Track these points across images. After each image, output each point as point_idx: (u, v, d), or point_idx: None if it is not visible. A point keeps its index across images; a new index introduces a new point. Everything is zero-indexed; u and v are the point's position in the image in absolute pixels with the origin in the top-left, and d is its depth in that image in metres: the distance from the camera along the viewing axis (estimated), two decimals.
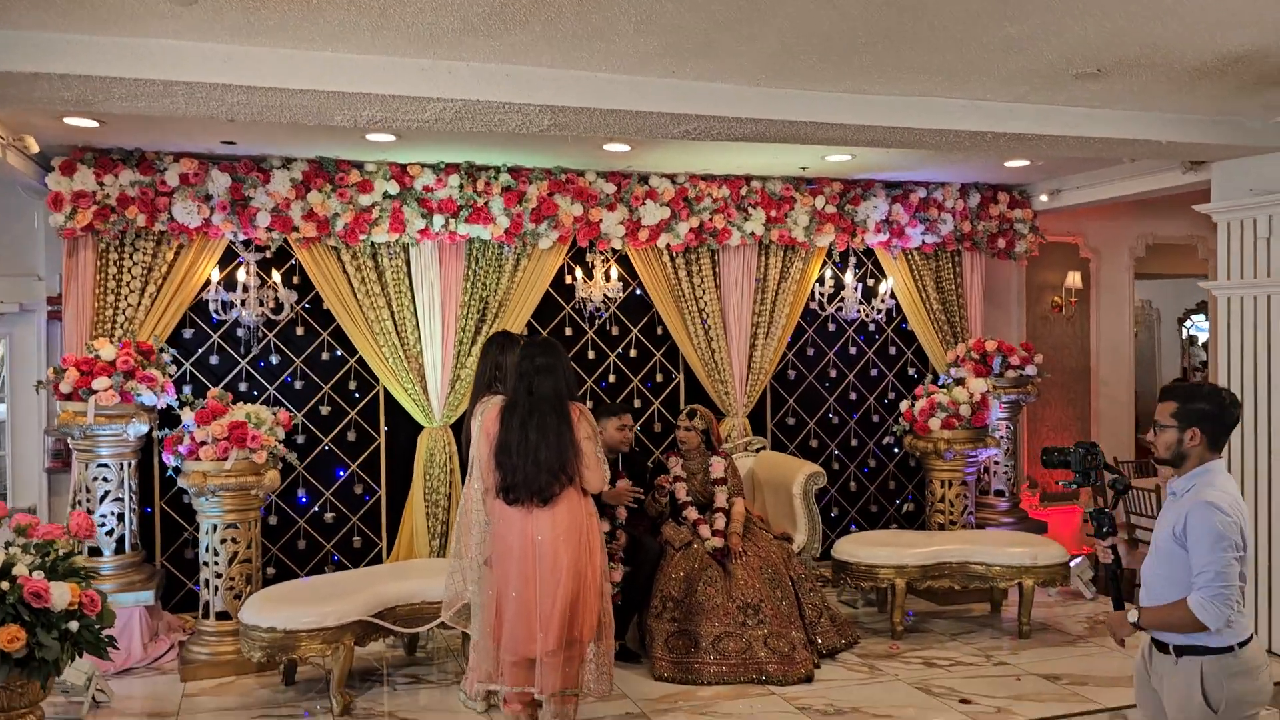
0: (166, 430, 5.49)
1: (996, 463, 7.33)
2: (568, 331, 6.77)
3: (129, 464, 5.60)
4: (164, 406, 5.62)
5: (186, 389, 5.98)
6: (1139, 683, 3.35)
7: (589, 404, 5.78)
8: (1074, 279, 8.18)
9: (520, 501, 4.03)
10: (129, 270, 5.75)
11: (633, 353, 6.91)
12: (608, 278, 6.66)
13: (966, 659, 5.41)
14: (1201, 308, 11.83)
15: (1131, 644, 3.39)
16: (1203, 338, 12.27)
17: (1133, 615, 3.22)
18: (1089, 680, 5.04)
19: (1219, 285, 5.68)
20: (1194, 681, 3.10)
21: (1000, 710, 4.65)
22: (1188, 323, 12.54)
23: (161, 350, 5.75)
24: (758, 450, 6.65)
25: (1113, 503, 3.52)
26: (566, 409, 4.05)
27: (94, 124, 4.95)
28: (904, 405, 6.74)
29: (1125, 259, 8.50)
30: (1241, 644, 3.10)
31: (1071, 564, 6.10)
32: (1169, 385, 3.33)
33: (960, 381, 6.75)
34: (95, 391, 5.23)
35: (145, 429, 5.48)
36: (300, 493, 6.32)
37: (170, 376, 5.65)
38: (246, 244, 6.05)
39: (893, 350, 7.44)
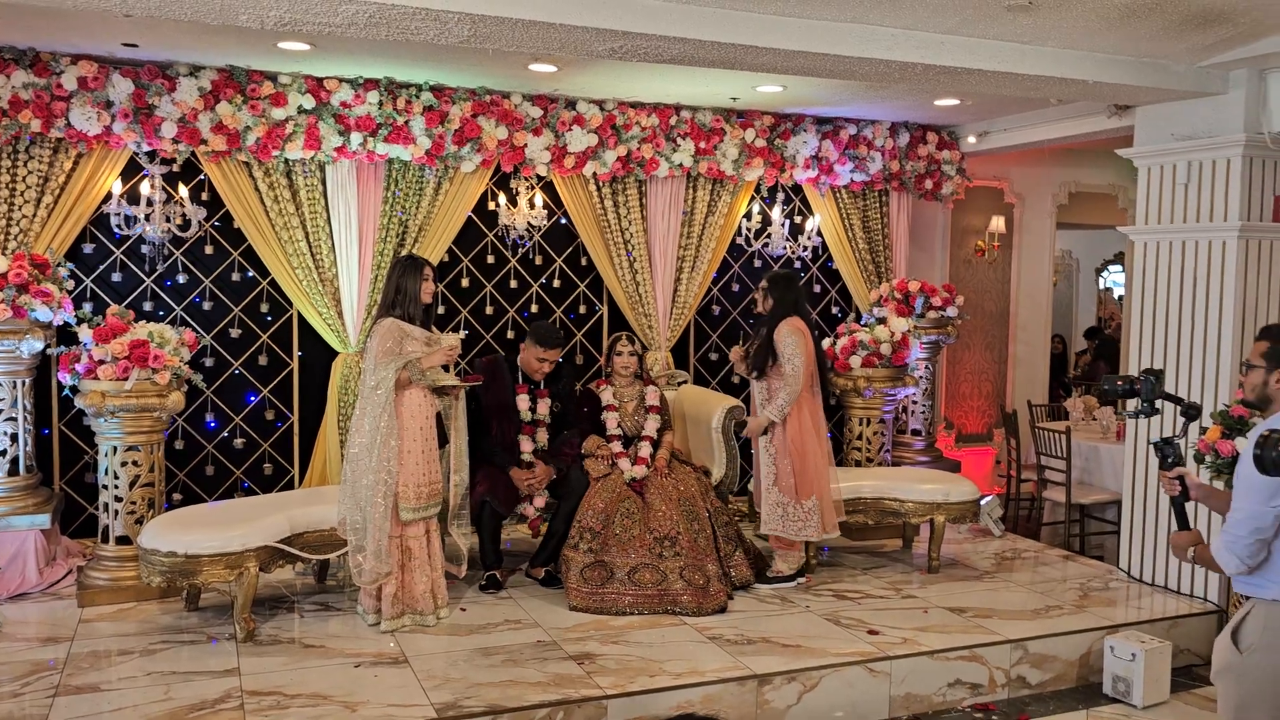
0: (64, 348, 5.24)
1: (915, 402, 7.42)
2: (490, 259, 6.62)
3: (23, 383, 5.35)
4: (61, 324, 5.36)
5: (87, 306, 5.71)
6: None
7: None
8: (998, 224, 8.25)
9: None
10: (23, 179, 5.43)
11: (556, 283, 6.80)
12: (532, 205, 6.50)
13: (877, 592, 5.50)
14: (1119, 259, 12.08)
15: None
16: (1118, 291, 12.55)
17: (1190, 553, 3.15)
18: (993, 614, 5.15)
19: (1137, 230, 5.75)
20: (1238, 618, 3.04)
21: (906, 640, 4.73)
22: (1105, 273, 12.81)
23: (59, 265, 5.48)
24: (679, 384, 6.61)
25: (1182, 430, 3.40)
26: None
27: None
28: (825, 343, 6.75)
29: (1048, 205, 8.59)
30: None
31: (982, 502, 6.21)
32: (1267, 326, 3.17)
33: (882, 320, 6.77)
34: None
35: (40, 346, 5.23)
36: (209, 417, 6.12)
37: (68, 292, 5.39)
38: (151, 156, 5.75)
39: (817, 289, 7.44)
